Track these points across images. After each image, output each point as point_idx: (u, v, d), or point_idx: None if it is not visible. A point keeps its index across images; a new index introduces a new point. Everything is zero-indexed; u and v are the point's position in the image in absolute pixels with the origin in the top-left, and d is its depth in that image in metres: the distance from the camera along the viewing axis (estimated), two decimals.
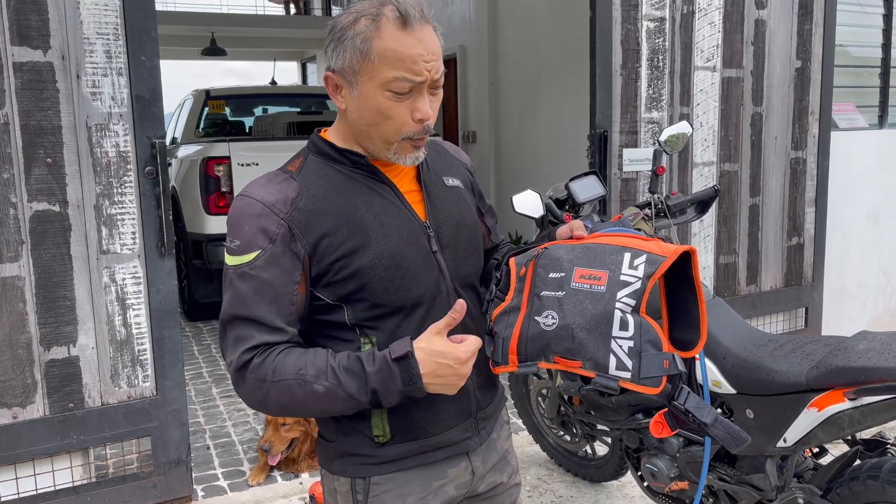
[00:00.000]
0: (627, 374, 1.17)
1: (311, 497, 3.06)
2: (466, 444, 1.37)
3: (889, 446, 2.13)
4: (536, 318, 1.26)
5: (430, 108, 1.25)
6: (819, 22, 4.31)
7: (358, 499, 1.32)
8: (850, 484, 1.99)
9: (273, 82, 11.01)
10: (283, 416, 1.31)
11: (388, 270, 1.27)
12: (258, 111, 7.59)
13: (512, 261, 1.37)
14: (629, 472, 3.09)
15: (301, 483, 3.24)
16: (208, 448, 3.64)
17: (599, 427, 2.97)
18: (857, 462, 2.08)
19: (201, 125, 6.76)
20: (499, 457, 1.46)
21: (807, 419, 1.96)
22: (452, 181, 1.44)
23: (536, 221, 2.54)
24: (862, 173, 4.85)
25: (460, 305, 1.21)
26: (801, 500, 2.04)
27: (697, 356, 1.45)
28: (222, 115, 7.10)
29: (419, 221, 1.33)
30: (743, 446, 1.27)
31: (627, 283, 1.23)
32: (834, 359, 1.91)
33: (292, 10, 14.08)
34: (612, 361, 1.18)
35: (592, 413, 2.70)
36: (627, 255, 1.25)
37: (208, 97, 6.77)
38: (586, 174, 2.65)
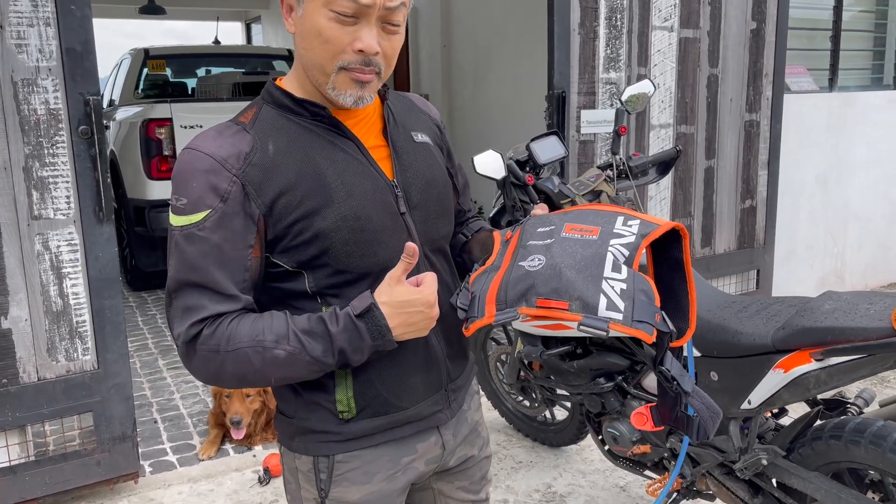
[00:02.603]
0: (619, 316, 1.07)
1: (266, 470, 2.97)
2: (437, 417, 1.29)
3: (849, 405, 2.14)
4: (521, 262, 1.17)
5: (375, 40, 1.12)
6: None
7: (321, 478, 1.23)
8: (813, 444, 1.99)
9: (216, 42, 10.59)
10: (240, 389, 1.20)
11: (352, 233, 1.16)
12: (201, 72, 7.28)
13: (496, 232, 1.29)
14: (589, 436, 3.08)
15: (254, 456, 3.14)
16: (155, 422, 3.50)
17: (559, 392, 2.94)
18: (819, 422, 2.08)
19: (140, 86, 6.44)
20: (469, 429, 1.38)
21: (772, 380, 1.94)
22: (421, 137, 1.32)
23: (498, 183, 2.46)
24: (812, 137, 4.89)
25: (411, 248, 1.12)
26: (764, 461, 2.03)
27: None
28: (163, 76, 6.78)
29: (386, 180, 1.22)
30: (717, 421, 1.21)
31: (621, 235, 1.16)
32: (800, 319, 1.89)
33: None
34: (603, 301, 1.08)
35: (553, 378, 2.66)
36: (621, 218, 1.20)
37: (147, 56, 6.46)
38: (547, 135, 2.56)
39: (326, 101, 1.20)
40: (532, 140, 2.51)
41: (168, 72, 6.91)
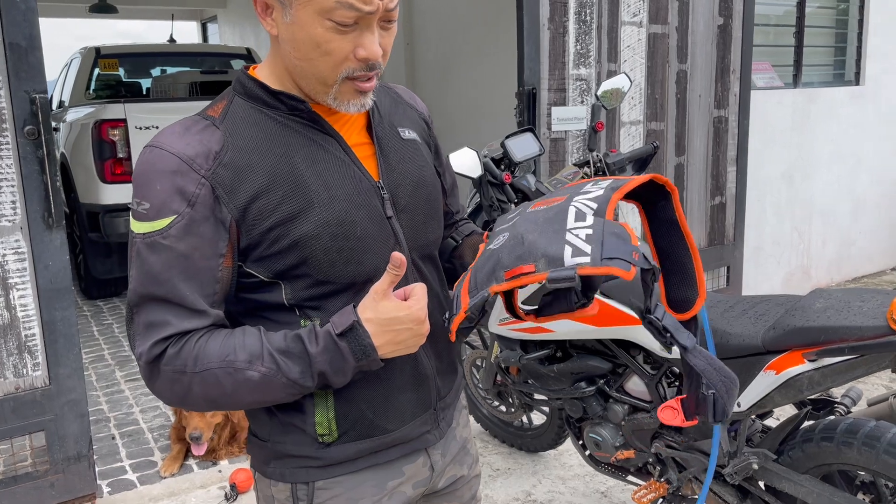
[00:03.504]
0: (586, 259, 0.95)
1: (232, 486, 2.84)
2: (425, 438, 1.19)
3: (836, 405, 2.09)
4: (489, 247, 1.07)
5: (378, 45, 1.02)
6: None
7: None
8: (804, 446, 1.94)
9: (171, 40, 10.31)
10: (207, 411, 1.09)
11: (334, 240, 1.05)
12: (156, 71, 7.05)
13: (486, 234, 1.19)
14: (567, 440, 3.01)
15: (220, 471, 3.00)
16: (113, 438, 3.32)
17: (537, 397, 2.86)
18: (808, 423, 2.03)
19: (92, 86, 6.20)
20: (459, 447, 1.28)
21: (763, 382, 1.88)
22: (409, 133, 1.21)
23: (474, 182, 2.36)
24: (777, 133, 4.90)
25: (397, 259, 1.00)
26: (755, 465, 1.97)
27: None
28: (115, 76, 6.54)
29: (371, 181, 1.10)
30: (732, 389, 1.06)
31: (588, 192, 1.06)
32: (791, 319, 1.83)
33: None
34: (568, 250, 0.97)
35: (533, 383, 2.57)
36: (591, 182, 1.11)
37: (99, 55, 6.21)
38: (522, 131, 2.48)
39: (304, 94, 1.09)
40: (507, 137, 2.43)
41: (121, 71, 6.67)
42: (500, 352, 2.70)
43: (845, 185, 5.40)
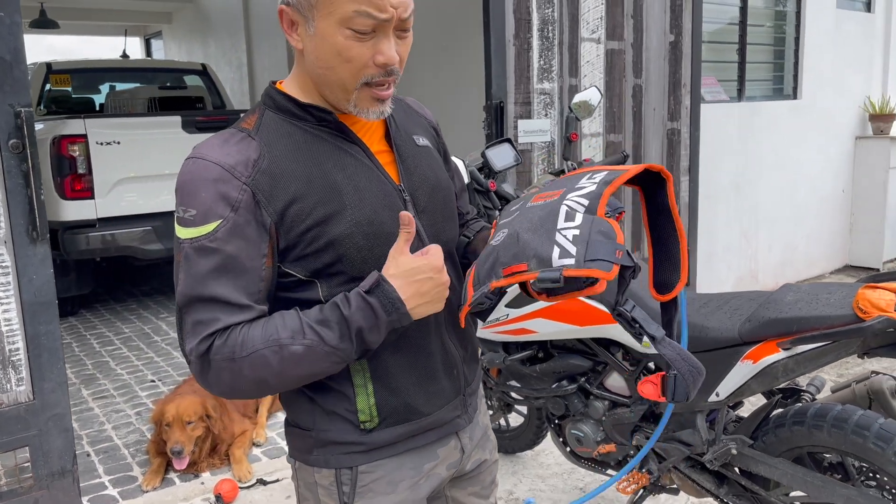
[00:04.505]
0: (571, 261, 1.02)
1: (217, 497, 2.85)
2: (456, 423, 1.27)
3: (803, 393, 2.25)
4: (491, 242, 1.15)
5: (395, 51, 1.11)
6: None
7: (344, 490, 1.18)
8: (777, 431, 2.08)
9: (125, 55, 10.16)
10: (260, 397, 1.15)
11: (367, 239, 1.13)
12: (106, 87, 6.95)
13: (496, 221, 1.28)
14: (544, 440, 3.10)
15: (202, 483, 2.99)
16: (88, 455, 3.28)
17: (517, 397, 2.95)
18: (778, 410, 2.17)
19: (43, 102, 6.09)
20: (482, 432, 1.37)
21: (741, 371, 2.01)
22: (423, 140, 1.31)
23: None
24: (725, 143, 5.15)
25: (405, 217, 1.10)
26: (734, 451, 2.10)
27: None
28: (66, 91, 6.44)
29: (393, 184, 1.20)
30: (698, 378, 1.14)
31: (581, 188, 1.14)
32: (766, 311, 1.97)
33: None
34: (556, 252, 1.04)
35: (515, 384, 2.67)
36: (587, 175, 1.18)
37: (50, 71, 6.11)
38: (500, 142, 2.60)
39: (331, 106, 1.17)
40: (487, 147, 2.55)
41: (72, 87, 6.57)
42: (483, 354, 2.79)
43: (787, 193, 5.70)
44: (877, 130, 6.15)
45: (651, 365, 2.31)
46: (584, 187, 1.14)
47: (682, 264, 1.21)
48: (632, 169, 1.14)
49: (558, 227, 1.08)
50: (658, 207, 1.23)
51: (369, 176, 1.17)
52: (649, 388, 1.22)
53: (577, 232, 1.06)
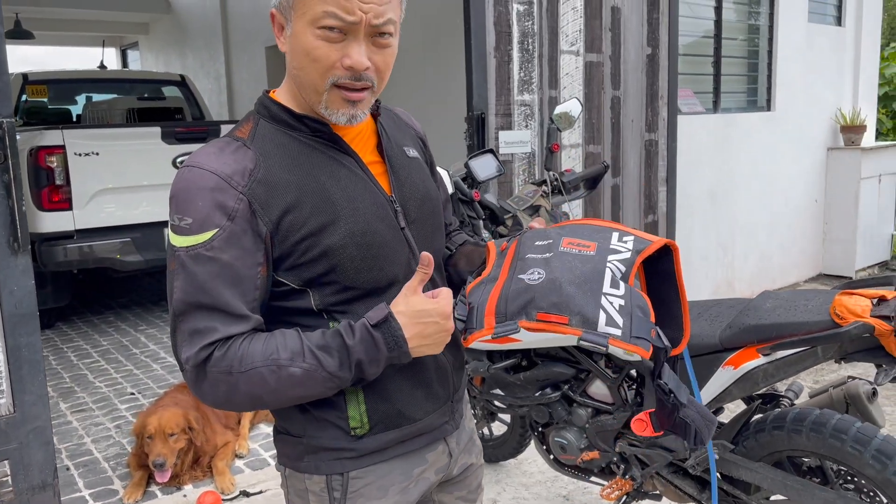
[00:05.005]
0: (618, 332, 1.12)
1: None
2: (444, 428, 1.30)
3: (782, 398, 2.29)
4: (521, 276, 1.19)
5: (363, 56, 1.11)
6: (665, 11, 4.58)
7: (335, 496, 1.19)
8: (757, 436, 2.11)
9: (102, 66, 10.09)
10: (252, 411, 1.16)
11: (360, 249, 1.15)
12: (83, 98, 6.90)
13: (490, 243, 1.32)
14: (527, 449, 3.12)
15: (185, 496, 2.97)
16: (68, 469, 3.24)
17: (500, 405, 2.97)
18: (758, 416, 2.21)
19: (19, 113, 6.03)
20: (468, 437, 1.39)
21: (722, 377, 2.05)
22: (412, 152, 1.33)
23: None
24: (701, 154, 5.24)
25: (426, 258, 1.12)
26: (716, 455, 2.14)
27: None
28: (43, 102, 6.38)
29: (384, 195, 1.22)
30: (712, 429, 1.27)
31: (618, 251, 1.21)
32: (746, 318, 2.02)
33: None
34: (602, 317, 1.13)
35: (499, 392, 2.68)
36: (616, 233, 1.26)
37: (27, 82, 6.06)
38: (483, 153, 2.63)
39: (316, 113, 1.19)
40: (470, 158, 2.57)
41: (48, 97, 6.51)
42: (468, 363, 2.80)
43: (762, 203, 5.80)
44: (848, 142, 6.29)
45: (633, 373, 2.34)
46: (620, 251, 1.22)
47: (684, 324, 1.32)
48: (656, 241, 1.25)
49: (604, 290, 1.15)
50: (660, 271, 1.32)
51: (362, 187, 1.19)
52: (640, 426, 1.32)
53: (622, 302, 1.15)
